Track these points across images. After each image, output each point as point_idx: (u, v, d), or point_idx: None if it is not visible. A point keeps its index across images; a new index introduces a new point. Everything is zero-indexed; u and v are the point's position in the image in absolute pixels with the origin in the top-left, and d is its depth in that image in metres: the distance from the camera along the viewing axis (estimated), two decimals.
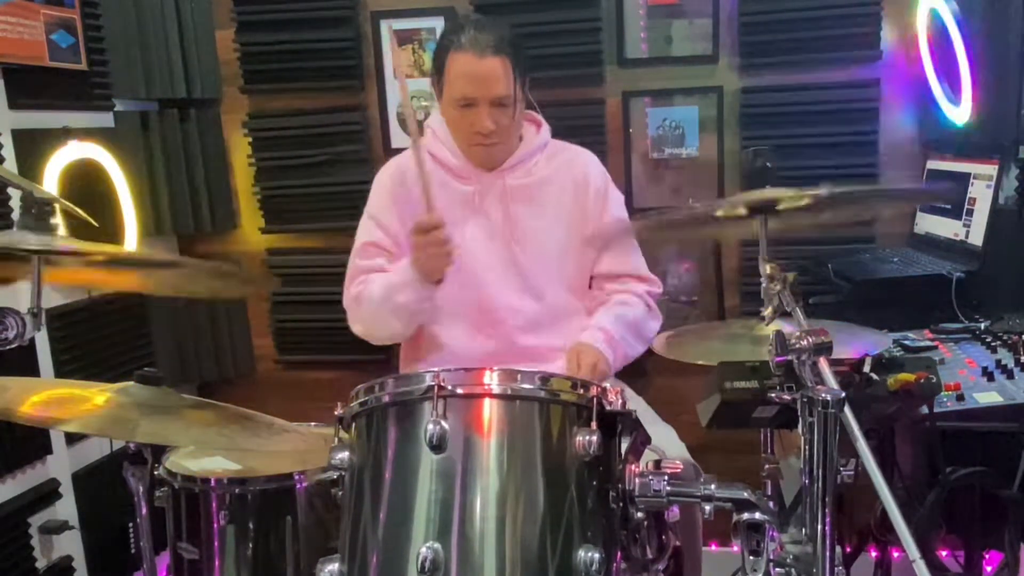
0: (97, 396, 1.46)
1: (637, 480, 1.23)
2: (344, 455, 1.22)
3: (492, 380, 1.19)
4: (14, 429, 2.04)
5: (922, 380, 1.52)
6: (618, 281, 2.13)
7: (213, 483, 1.62)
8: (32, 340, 1.69)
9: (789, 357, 1.19)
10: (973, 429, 1.77)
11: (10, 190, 2.08)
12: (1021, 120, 2.01)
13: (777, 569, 1.20)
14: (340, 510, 1.25)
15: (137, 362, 2.46)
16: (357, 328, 2.08)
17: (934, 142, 2.42)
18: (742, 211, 1.37)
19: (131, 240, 2.52)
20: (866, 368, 1.50)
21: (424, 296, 1.93)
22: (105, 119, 2.49)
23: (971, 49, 2.11)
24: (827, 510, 1.15)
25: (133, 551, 1.74)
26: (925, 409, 1.61)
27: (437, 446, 1.13)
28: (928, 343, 1.87)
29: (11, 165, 2.12)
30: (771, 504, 1.28)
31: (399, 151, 2.27)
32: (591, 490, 1.18)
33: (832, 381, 1.20)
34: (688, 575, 1.79)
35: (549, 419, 1.19)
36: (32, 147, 2.19)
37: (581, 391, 1.22)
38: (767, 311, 1.30)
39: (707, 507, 1.23)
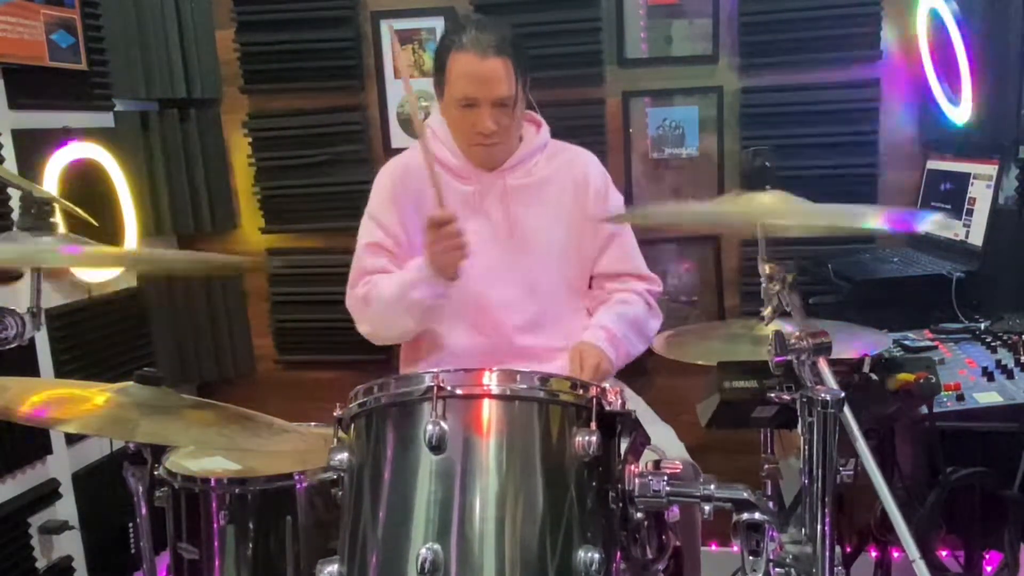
0: (97, 396, 1.45)
1: (637, 480, 1.23)
2: (343, 456, 1.22)
3: (491, 381, 1.19)
4: (14, 429, 2.04)
5: (922, 380, 1.52)
6: (618, 280, 2.14)
7: (213, 483, 1.62)
8: (32, 340, 1.69)
9: (789, 357, 1.18)
10: (973, 429, 1.77)
11: (10, 190, 2.08)
12: (1021, 120, 2.01)
13: (777, 569, 1.20)
14: (340, 510, 1.25)
15: (137, 362, 2.46)
16: (364, 328, 2.08)
17: (934, 142, 2.41)
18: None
19: (131, 240, 2.52)
20: (866, 368, 1.50)
21: (439, 292, 1.93)
22: (105, 119, 2.49)
23: (971, 49, 2.11)
24: (827, 510, 1.15)
25: (133, 551, 1.74)
26: (925, 409, 1.61)
27: (436, 447, 1.13)
28: (928, 343, 1.87)
29: (11, 165, 2.12)
30: (771, 504, 1.28)
31: (399, 151, 2.27)
32: (591, 490, 1.18)
33: (832, 381, 1.20)
34: (688, 575, 1.79)
35: (548, 419, 1.19)
36: (32, 147, 2.19)
37: (580, 391, 1.22)
38: (767, 311, 1.30)
39: (707, 507, 1.23)
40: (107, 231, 2.37)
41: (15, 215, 2.02)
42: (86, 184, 2.35)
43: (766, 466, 1.67)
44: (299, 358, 2.85)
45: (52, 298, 2.24)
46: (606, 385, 1.25)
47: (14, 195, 2.07)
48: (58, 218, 1.37)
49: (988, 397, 1.67)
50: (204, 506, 1.62)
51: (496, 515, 1.13)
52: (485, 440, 1.17)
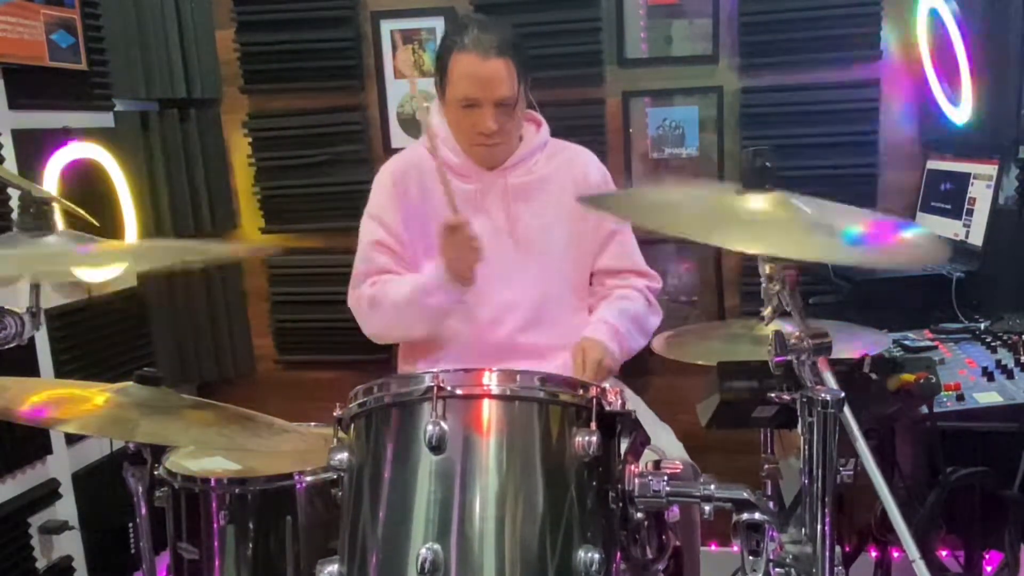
0: (97, 396, 1.46)
1: (637, 480, 1.23)
2: (343, 456, 1.22)
3: (491, 381, 1.19)
4: (14, 429, 2.04)
5: (922, 380, 1.52)
6: (618, 276, 2.14)
7: (213, 483, 1.62)
8: (32, 340, 1.69)
9: (789, 357, 1.18)
10: (973, 429, 1.77)
11: (10, 190, 2.08)
12: (1021, 120, 2.01)
13: (777, 569, 1.20)
14: (340, 510, 1.25)
15: (137, 362, 2.46)
16: (370, 330, 2.09)
17: (934, 142, 2.41)
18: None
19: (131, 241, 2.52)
20: (866, 368, 1.50)
21: (455, 298, 1.96)
22: (105, 119, 2.49)
23: (971, 49, 2.11)
24: (827, 510, 1.15)
25: (133, 551, 1.74)
26: (925, 409, 1.60)
27: (436, 447, 1.13)
28: (928, 343, 1.87)
29: (11, 165, 2.12)
30: (771, 504, 1.28)
31: (399, 151, 2.27)
32: (591, 490, 1.18)
33: (832, 381, 1.20)
34: (687, 575, 1.79)
35: (548, 420, 1.19)
36: (32, 147, 2.19)
37: (580, 392, 1.21)
38: (767, 311, 1.30)
39: (707, 507, 1.23)
40: (107, 231, 2.36)
41: (15, 215, 2.03)
42: (86, 184, 2.35)
43: (766, 466, 1.67)
44: (299, 358, 2.85)
45: (52, 298, 2.24)
46: (606, 385, 1.25)
47: (14, 195, 2.07)
48: (58, 218, 1.37)
49: (988, 397, 1.67)
50: (204, 506, 1.62)
51: (496, 515, 1.13)
52: (485, 440, 1.17)
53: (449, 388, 1.16)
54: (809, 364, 1.17)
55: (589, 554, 1.13)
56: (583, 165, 2.12)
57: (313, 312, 2.77)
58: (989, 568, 1.92)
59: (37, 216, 1.30)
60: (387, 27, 2.61)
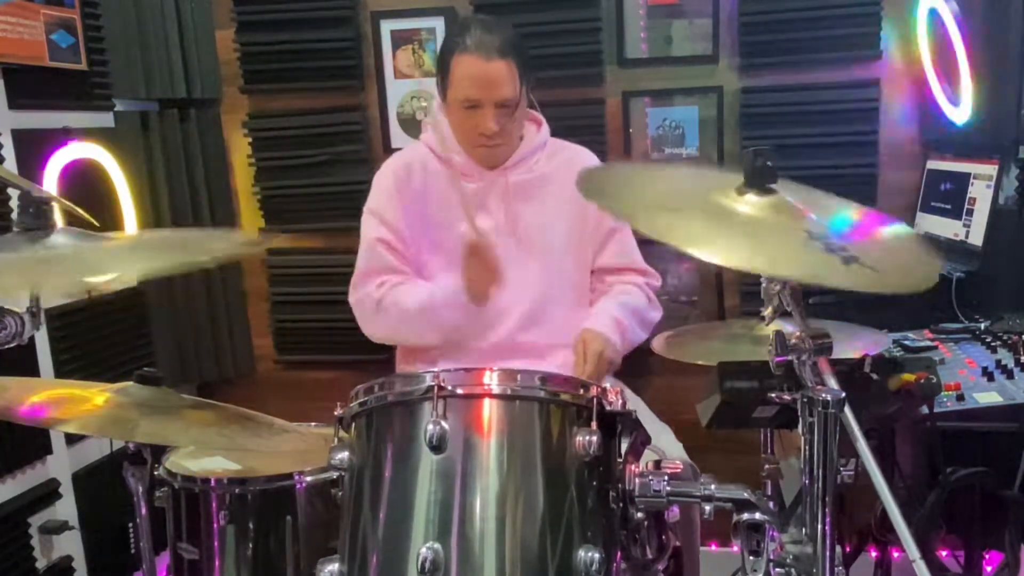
0: (97, 396, 1.46)
1: (637, 480, 1.22)
2: (344, 455, 1.22)
3: (492, 380, 1.19)
4: (14, 429, 2.04)
5: (923, 380, 1.52)
6: (618, 274, 2.15)
7: (213, 483, 1.62)
8: (32, 340, 1.69)
9: (789, 357, 1.18)
10: (973, 429, 1.77)
11: (10, 190, 2.07)
12: (1021, 120, 2.01)
13: (777, 569, 1.20)
14: (340, 510, 1.25)
15: (137, 362, 2.46)
16: (372, 331, 2.09)
17: (934, 142, 2.41)
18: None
19: None
20: (866, 368, 1.50)
21: (470, 315, 1.97)
22: (105, 119, 2.49)
23: (971, 49, 2.11)
24: (827, 510, 1.15)
25: (133, 551, 1.74)
26: (925, 409, 1.60)
27: (437, 446, 1.13)
28: (928, 343, 1.87)
29: (11, 165, 2.12)
30: (771, 504, 1.28)
31: (398, 151, 2.27)
32: (591, 490, 1.18)
33: (832, 381, 1.20)
34: (687, 575, 1.79)
35: (549, 419, 1.19)
36: (32, 147, 2.19)
37: (581, 391, 1.22)
38: (767, 311, 1.30)
39: (707, 507, 1.23)
40: (107, 231, 2.36)
41: (15, 215, 2.02)
42: (86, 184, 2.35)
43: (766, 466, 1.67)
44: (299, 358, 2.85)
45: (52, 298, 2.24)
46: (607, 385, 1.25)
47: (14, 195, 2.07)
48: (57, 217, 1.36)
49: (988, 397, 1.67)
50: (204, 506, 1.62)
51: (496, 514, 1.13)
52: (486, 440, 1.17)
53: (450, 387, 1.16)
54: (810, 364, 1.17)
55: (589, 554, 1.13)
56: (583, 164, 2.12)
57: (313, 312, 2.77)
58: (989, 568, 1.92)
59: (37, 216, 1.30)
60: (387, 27, 2.61)
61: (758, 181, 1.21)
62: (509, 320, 2.03)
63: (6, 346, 1.28)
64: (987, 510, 1.81)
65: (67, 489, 2.25)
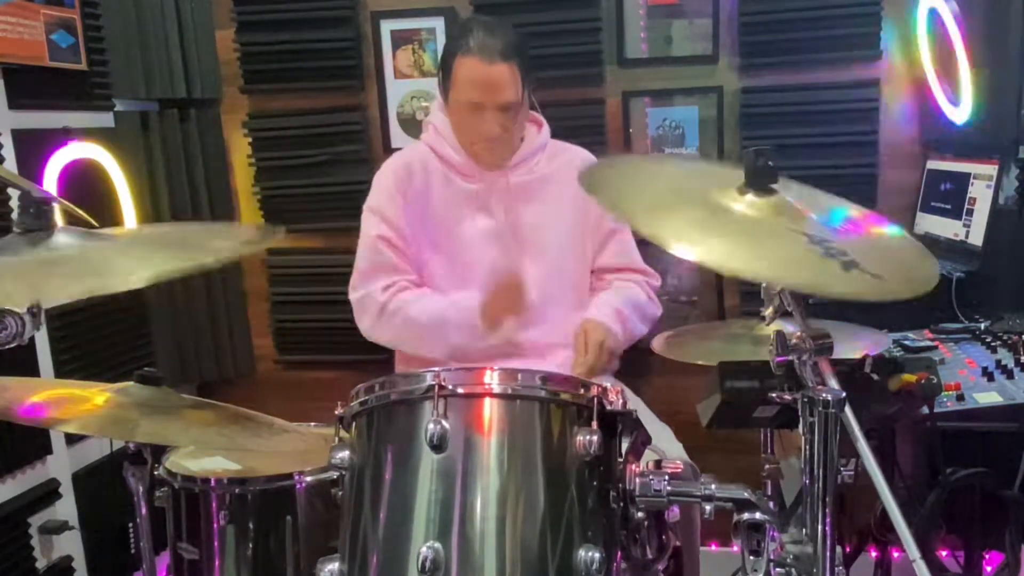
0: (97, 396, 1.46)
1: (637, 480, 1.22)
2: (344, 454, 1.22)
3: (492, 379, 1.18)
4: (14, 429, 2.04)
5: (923, 380, 1.52)
6: (618, 273, 2.16)
7: (213, 483, 1.62)
8: (32, 340, 1.69)
9: (790, 357, 1.18)
10: (973, 429, 1.77)
11: (10, 190, 2.07)
12: (1021, 120, 2.01)
13: (777, 569, 1.20)
14: (340, 510, 1.25)
15: (137, 362, 2.46)
16: (371, 332, 2.09)
17: (934, 142, 2.41)
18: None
19: None
20: (867, 368, 1.50)
21: (479, 339, 1.97)
22: (105, 119, 2.49)
23: (971, 49, 2.11)
24: (827, 510, 1.15)
25: (133, 551, 1.74)
26: (925, 409, 1.61)
27: (438, 446, 1.13)
28: (928, 343, 1.87)
29: (11, 165, 2.12)
30: (771, 504, 1.27)
31: (398, 151, 2.27)
32: (591, 490, 1.18)
33: (833, 381, 1.20)
34: (687, 575, 1.79)
35: (550, 419, 1.19)
36: (32, 147, 2.19)
37: (582, 391, 1.22)
38: (767, 311, 1.30)
39: (707, 507, 1.23)
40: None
41: (15, 215, 2.02)
42: (86, 184, 2.35)
43: (767, 466, 1.67)
44: (299, 358, 2.85)
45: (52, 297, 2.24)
46: (607, 384, 1.25)
47: (14, 195, 2.07)
48: (57, 218, 1.36)
49: (988, 397, 1.67)
50: (204, 506, 1.62)
51: (497, 514, 1.13)
52: (486, 439, 1.17)
53: (450, 387, 1.16)
54: (810, 364, 1.17)
55: (590, 553, 1.13)
56: (583, 165, 2.12)
57: (313, 312, 2.77)
58: (989, 568, 1.92)
59: (38, 216, 1.30)
60: (387, 27, 2.61)
61: (758, 181, 1.21)
62: (510, 320, 2.03)
63: (6, 346, 1.28)
64: (987, 510, 1.81)
65: (67, 489, 2.25)
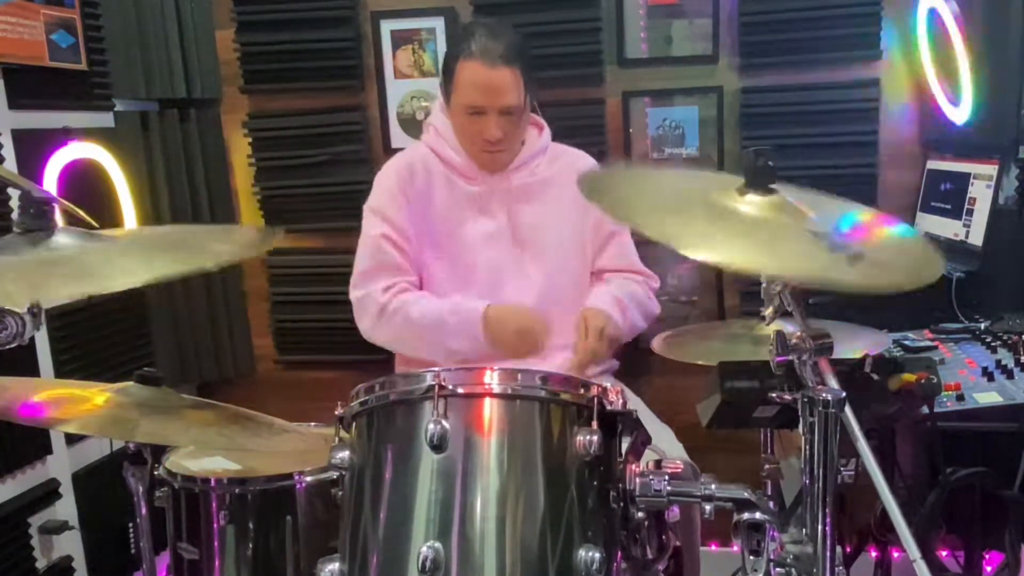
0: (97, 396, 1.46)
1: (638, 480, 1.22)
2: (344, 454, 1.22)
3: (493, 380, 1.19)
4: (14, 429, 2.04)
5: (923, 380, 1.52)
6: (617, 274, 2.16)
7: (213, 483, 1.62)
8: (32, 340, 1.69)
9: (790, 357, 1.18)
10: (973, 429, 1.77)
11: (10, 190, 2.07)
12: (1021, 120, 2.01)
13: (777, 569, 1.20)
14: (340, 510, 1.25)
15: (137, 362, 2.46)
16: (370, 332, 2.09)
17: (934, 142, 2.41)
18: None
19: None
20: (867, 368, 1.50)
21: (478, 347, 1.96)
22: (105, 119, 2.49)
23: (971, 50, 2.11)
24: (827, 510, 1.15)
25: (133, 551, 1.74)
26: (925, 409, 1.61)
27: (438, 446, 1.13)
28: (928, 343, 1.87)
29: (11, 165, 2.12)
30: (771, 504, 1.28)
31: (399, 151, 2.27)
32: (591, 490, 1.18)
33: (833, 381, 1.20)
34: (687, 575, 1.79)
35: (550, 419, 1.19)
36: (32, 147, 2.19)
37: (582, 391, 1.22)
38: (767, 311, 1.30)
39: (707, 507, 1.23)
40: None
41: (15, 215, 2.02)
42: (86, 184, 2.35)
43: (766, 466, 1.67)
44: (299, 358, 2.85)
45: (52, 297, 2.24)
46: (607, 384, 1.25)
47: (14, 195, 2.07)
48: (58, 218, 1.36)
49: (988, 397, 1.67)
50: (204, 506, 1.62)
51: (497, 514, 1.13)
52: (486, 439, 1.17)
53: (450, 387, 1.16)
54: (810, 364, 1.17)
55: (590, 553, 1.13)
56: (584, 168, 2.13)
57: (313, 312, 2.77)
58: (989, 568, 1.92)
59: (38, 217, 1.30)
60: (387, 27, 2.61)
61: (759, 181, 1.21)
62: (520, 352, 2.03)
63: (7, 346, 1.28)
64: (987, 510, 1.81)
65: (67, 489, 2.25)
